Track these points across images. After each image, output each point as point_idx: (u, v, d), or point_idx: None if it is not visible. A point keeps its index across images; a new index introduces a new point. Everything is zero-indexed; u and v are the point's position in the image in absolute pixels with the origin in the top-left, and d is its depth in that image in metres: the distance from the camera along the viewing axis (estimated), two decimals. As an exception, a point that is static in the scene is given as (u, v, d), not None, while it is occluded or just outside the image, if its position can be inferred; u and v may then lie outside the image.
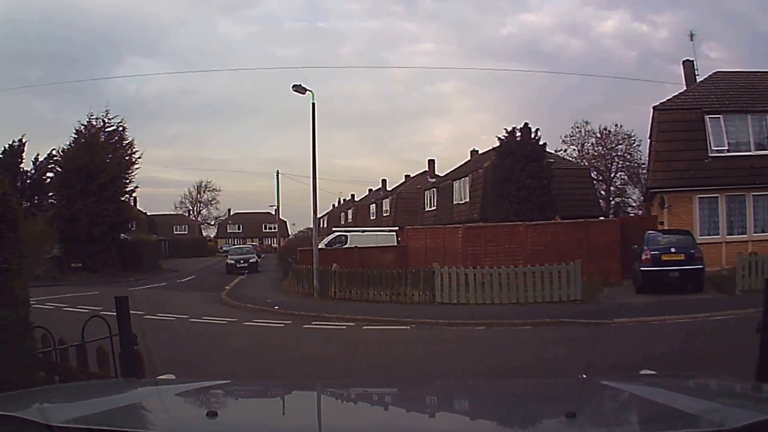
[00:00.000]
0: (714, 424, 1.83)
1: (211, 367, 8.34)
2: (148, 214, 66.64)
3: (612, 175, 52.21)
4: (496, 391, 3.16)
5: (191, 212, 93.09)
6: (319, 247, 25.14)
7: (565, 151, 50.28)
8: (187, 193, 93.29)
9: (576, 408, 2.31)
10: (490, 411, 2.51)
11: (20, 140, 36.43)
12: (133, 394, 2.87)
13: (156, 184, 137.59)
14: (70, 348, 4.41)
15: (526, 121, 32.29)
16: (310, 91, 22.57)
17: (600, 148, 51.76)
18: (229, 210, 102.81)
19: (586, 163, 49.58)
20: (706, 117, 23.23)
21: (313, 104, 22.85)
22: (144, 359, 4.23)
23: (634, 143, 49.42)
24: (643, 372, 4.02)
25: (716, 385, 3.05)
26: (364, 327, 15.03)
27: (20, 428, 1.86)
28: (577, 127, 52.47)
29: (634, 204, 50.32)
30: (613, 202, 51.95)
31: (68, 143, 31.61)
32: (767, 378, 4.23)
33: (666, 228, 21.78)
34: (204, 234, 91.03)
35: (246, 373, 9.19)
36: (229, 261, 39.06)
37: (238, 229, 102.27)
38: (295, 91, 22.22)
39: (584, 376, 3.39)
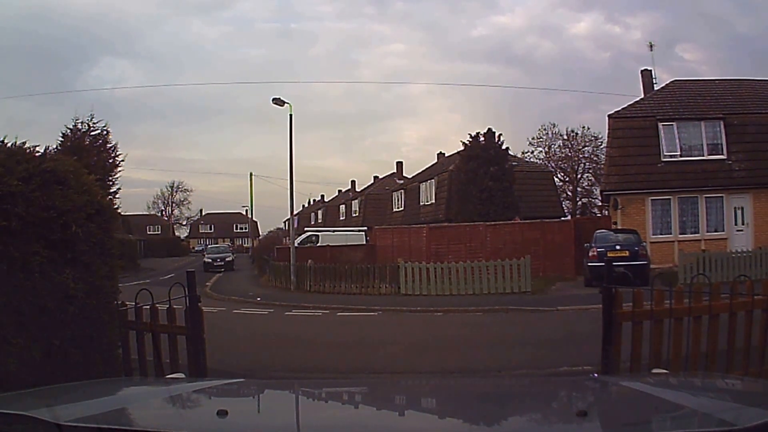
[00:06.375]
0: (726, 423, 1.80)
1: (217, 342, 10.19)
2: (122, 214, 66.98)
3: (579, 176, 52.50)
4: (506, 389, 3.13)
5: (164, 212, 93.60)
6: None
7: (532, 153, 50.75)
8: (160, 194, 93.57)
9: (587, 407, 2.40)
10: (500, 409, 2.47)
11: (2, 141, 37.19)
12: (143, 392, 2.93)
13: (127, 184, 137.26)
14: (143, 307, 6.36)
15: (490, 127, 33.84)
16: (288, 103, 24.46)
17: (567, 150, 51.92)
18: (201, 210, 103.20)
19: (553, 165, 50.39)
20: (660, 124, 24.43)
21: (291, 116, 24.69)
22: (203, 314, 6.25)
23: (600, 145, 47.65)
24: (654, 371, 4.16)
25: (729, 383, 3.10)
26: (338, 313, 17.09)
27: (29, 427, 1.85)
28: (544, 130, 52.40)
29: (600, 204, 50.36)
30: (580, 203, 52.63)
31: (55, 146, 32.76)
32: (610, 368, 5.43)
33: (619, 228, 23.22)
34: (176, 234, 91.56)
35: (246, 347, 11.19)
36: (206, 260, 40.25)
37: (210, 229, 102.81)
38: (275, 103, 23.98)
39: (595, 375, 3.95)
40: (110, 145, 34.60)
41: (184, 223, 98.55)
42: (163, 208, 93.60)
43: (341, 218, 62.36)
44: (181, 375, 3.94)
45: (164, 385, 3.19)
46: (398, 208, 45.97)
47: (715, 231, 23.92)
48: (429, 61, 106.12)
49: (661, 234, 24.04)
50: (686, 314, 5.63)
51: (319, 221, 71.41)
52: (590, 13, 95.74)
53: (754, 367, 5.47)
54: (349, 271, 22.08)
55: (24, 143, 5.24)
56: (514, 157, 38.26)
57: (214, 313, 17.34)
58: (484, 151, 32.92)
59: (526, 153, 49.86)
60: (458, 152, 35.87)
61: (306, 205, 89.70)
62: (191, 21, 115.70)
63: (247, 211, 77.89)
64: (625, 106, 26.38)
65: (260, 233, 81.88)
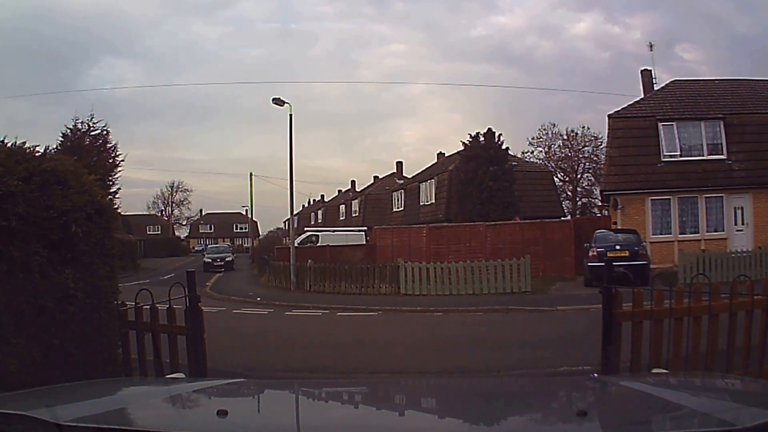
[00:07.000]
0: (726, 423, 1.80)
1: (219, 342, 10.17)
2: (122, 214, 66.96)
3: (578, 176, 52.40)
4: (506, 389, 3.11)
5: (164, 212, 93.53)
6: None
7: (532, 153, 50.68)
8: (160, 194, 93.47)
9: (587, 407, 2.40)
10: (500, 409, 2.44)
11: (2, 141, 37.28)
12: (143, 392, 2.94)
13: (127, 184, 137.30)
14: (143, 307, 6.35)
15: (490, 126, 33.92)
16: (288, 103, 24.53)
17: (567, 150, 51.76)
18: (201, 210, 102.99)
19: (553, 165, 50.33)
20: (660, 124, 24.49)
21: (291, 116, 24.77)
22: (203, 314, 6.25)
23: (600, 145, 47.06)
24: (654, 371, 4.13)
25: (728, 383, 3.09)
26: (338, 314, 17.11)
27: (29, 427, 1.85)
28: (544, 130, 52.20)
29: (600, 204, 49.62)
30: (580, 203, 52.56)
31: (55, 146, 32.88)
32: (610, 368, 5.41)
33: (619, 228, 23.24)
34: (176, 234, 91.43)
35: (246, 347, 11.15)
36: (206, 259, 40.20)
37: (210, 229, 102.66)
38: (275, 103, 24.04)
39: (595, 375, 3.93)
40: (110, 145, 34.72)
41: (184, 223, 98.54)
42: (163, 208, 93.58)
43: (341, 218, 62.39)
44: (181, 375, 3.93)
45: (164, 385, 3.18)
46: (398, 208, 46.02)
47: (715, 231, 23.93)
48: (429, 61, 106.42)
49: (661, 234, 24.05)
50: (686, 314, 5.61)
51: (319, 221, 71.42)
52: (590, 13, 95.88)
53: (754, 367, 5.46)
54: (349, 271, 22.06)
55: (24, 143, 5.24)
56: (514, 157, 38.31)
57: (214, 313, 17.36)
58: (484, 151, 32.99)
59: (526, 153, 49.91)
60: (458, 152, 35.95)
61: (306, 205, 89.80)
62: (191, 21, 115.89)
63: (247, 211, 78.04)
64: (625, 106, 26.41)
65: (260, 233, 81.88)
